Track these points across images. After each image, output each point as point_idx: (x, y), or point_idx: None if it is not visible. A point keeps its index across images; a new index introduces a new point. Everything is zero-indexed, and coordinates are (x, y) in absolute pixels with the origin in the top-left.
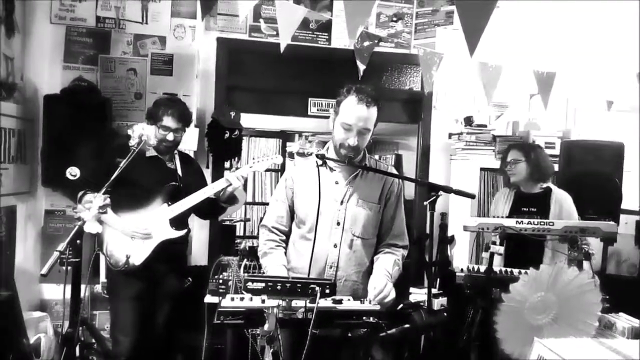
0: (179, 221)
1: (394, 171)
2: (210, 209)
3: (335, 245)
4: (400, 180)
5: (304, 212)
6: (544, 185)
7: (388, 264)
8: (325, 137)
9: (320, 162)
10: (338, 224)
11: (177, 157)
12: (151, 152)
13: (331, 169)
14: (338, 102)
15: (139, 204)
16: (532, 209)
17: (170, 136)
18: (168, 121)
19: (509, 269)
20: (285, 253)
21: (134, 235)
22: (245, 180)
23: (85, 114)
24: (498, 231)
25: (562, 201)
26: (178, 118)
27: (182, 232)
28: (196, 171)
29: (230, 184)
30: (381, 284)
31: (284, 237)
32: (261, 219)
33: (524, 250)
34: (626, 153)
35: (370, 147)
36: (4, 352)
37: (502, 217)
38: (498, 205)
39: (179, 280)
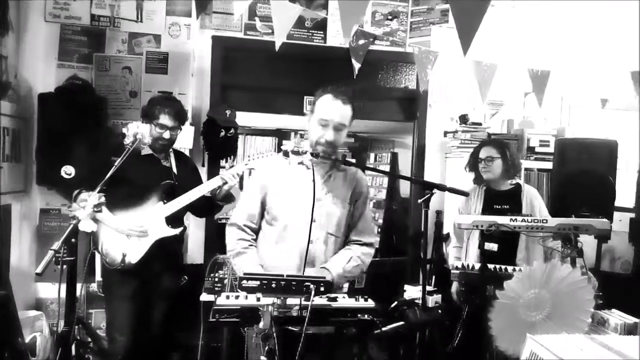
0: (174, 219)
1: (361, 174)
2: (206, 207)
3: (311, 242)
4: (368, 183)
5: (279, 210)
6: (514, 182)
7: (342, 259)
8: None
9: (297, 159)
10: (314, 221)
11: (172, 155)
12: (146, 151)
13: (307, 167)
14: (314, 101)
15: (134, 202)
16: (505, 206)
17: (166, 134)
18: (164, 119)
19: (502, 266)
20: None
21: (130, 233)
22: (241, 178)
23: (80, 112)
24: (492, 229)
25: (533, 197)
26: (174, 116)
27: (178, 230)
28: (191, 169)
29: (226, 182)
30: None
31: (254, 236)
32: None
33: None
34: (620, 151)
35: (367, 146)
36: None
37: (476, 214)
38: (469, 203)
39: (175, 278)
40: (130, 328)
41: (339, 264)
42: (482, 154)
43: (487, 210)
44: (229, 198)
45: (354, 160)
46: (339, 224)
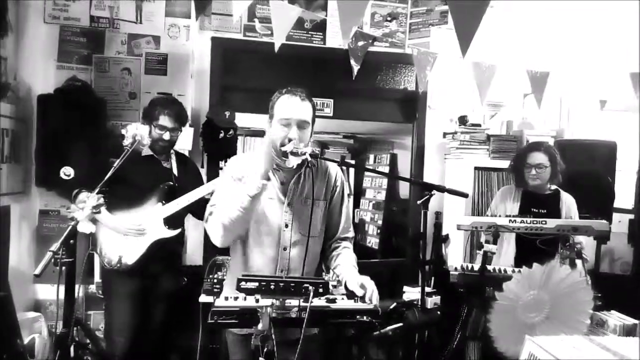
0: (174, 221)
1: (335, 168)
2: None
3: (285, 249)
4: (343, 174)
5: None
6: (553, 188)
7: (353, 260)
8: (320, 137)
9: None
10: (286, 226)
11: (173, 157)
12: (147, 152)
13: (273, 172)
14: (271, 106)
15: (133, 203)
16: (542, 210)
17: (166, 135)
18: (165, 120)
19: (502, 268)
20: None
21: (127, 232)
22: None
23: (79, 113)
24: (491, 230)
25: (571, 204)
26: (175, 117)
27: (176, 232)
28: (193, 171)
29: None
30: (370, 282)
31: None
32: None
33: (535, 253)
34: (619, 152)
35: (366, 147)
36: None
37: (511, 215)
38: (506, 203)
39: (174, 279)
40: (128, 329)
41: (355, 265)
42: (532, 160)
43: (523, 212)
44: None
45: (353, 162)
46: (314, 225)
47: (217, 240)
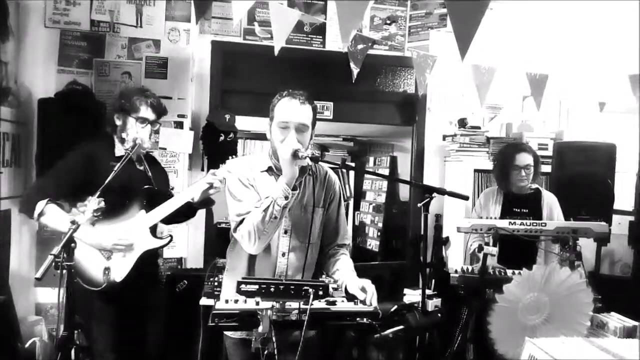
0: (153, 228)
1: (334, 175)
2: (184, 213)
3: (283, 255)
4: (343, 177)
5: None
6: (534, 187)
7: (351, 265)
8: (320, 140)
9: (264, 168)
10: (285, 232)
11: (142, 157)
12: (120, 152)
13: (275, 178)
14: (271, 108)
15: (111, 212)
16: (524, 210)
17: (146, 130)
18: (145, 112)
19: (502, 270)
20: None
21: (113, 247)
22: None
23: (80, 117)
24: (491, 232)
25: (553, 203)
26: (156, 108)
27: (165, 240)
28: (162, 172)
29: (211, 187)
30: (371, 285)
31: None
32: None
33: (516, 251)
34: (618, 154)
35: (366, 149)
36: None
37: (494, 217)
38: (488, 205)
39: (159, 290)
40: (120, 351)
41: (355, 275)
42: (520, 161)
43: (506, 213)
44: (209, 202)
45: (352, 164)
46: (313, 232)
47: (252, 248)
